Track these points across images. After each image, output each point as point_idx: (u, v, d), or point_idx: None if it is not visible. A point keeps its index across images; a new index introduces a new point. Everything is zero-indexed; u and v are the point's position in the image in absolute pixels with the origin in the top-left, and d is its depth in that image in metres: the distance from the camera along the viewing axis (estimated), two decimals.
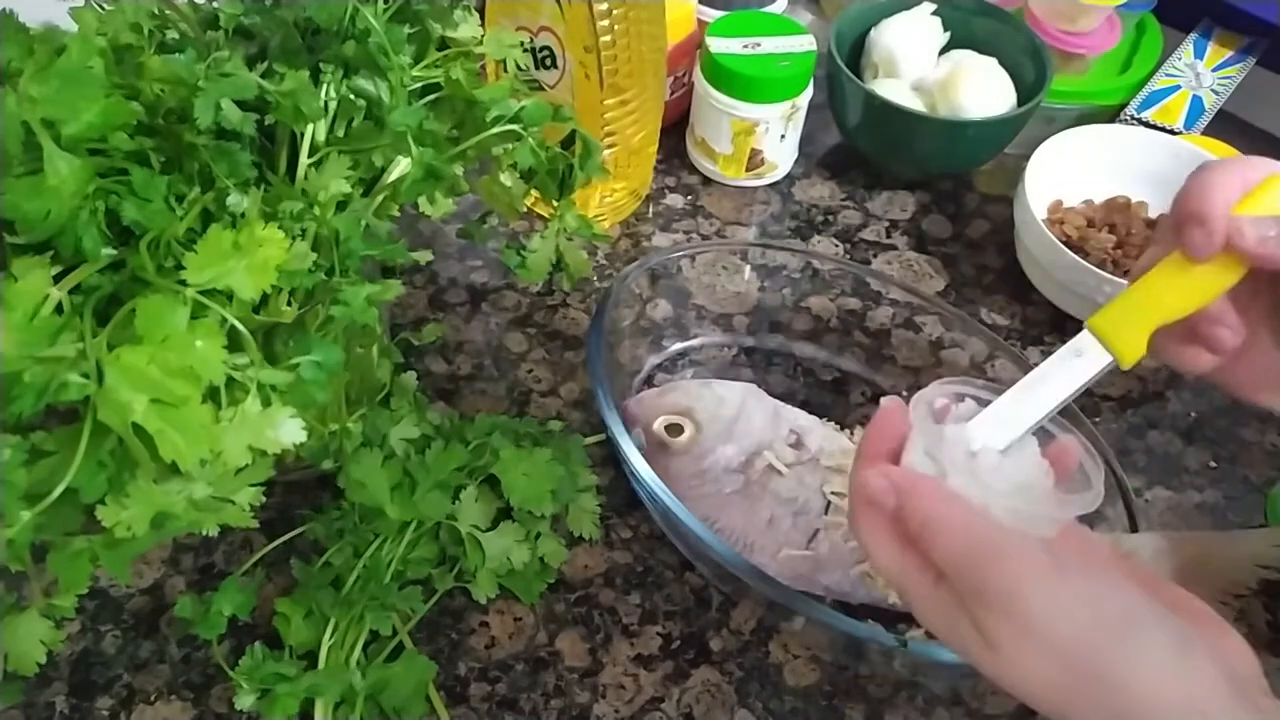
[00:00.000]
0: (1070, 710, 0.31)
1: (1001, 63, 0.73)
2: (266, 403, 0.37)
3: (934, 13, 0.76)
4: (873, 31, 0.76)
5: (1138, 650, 0.30)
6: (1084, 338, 0.39)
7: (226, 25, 0.44)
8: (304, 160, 0.43)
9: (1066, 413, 0.54)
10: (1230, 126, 0.77)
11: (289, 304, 0.40)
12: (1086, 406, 0.63)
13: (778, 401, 0.59)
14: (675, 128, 0.77)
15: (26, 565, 0.37)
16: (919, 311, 0.62)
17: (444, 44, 0.49)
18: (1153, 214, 0.69)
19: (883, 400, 0.39)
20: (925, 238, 0.73)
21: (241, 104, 0.39)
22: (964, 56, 0.73)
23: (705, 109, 0.72)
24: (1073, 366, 0.38)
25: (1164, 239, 0.39)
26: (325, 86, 0.44)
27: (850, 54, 0.76)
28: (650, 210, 0.74)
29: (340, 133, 0.45)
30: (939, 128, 0.71)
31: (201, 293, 0.35)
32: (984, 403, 0.39)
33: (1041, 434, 0.38)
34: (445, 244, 0.70)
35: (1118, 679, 0.30)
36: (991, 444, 0.37)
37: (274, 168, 0.43)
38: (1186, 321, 0.39)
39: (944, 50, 0.76)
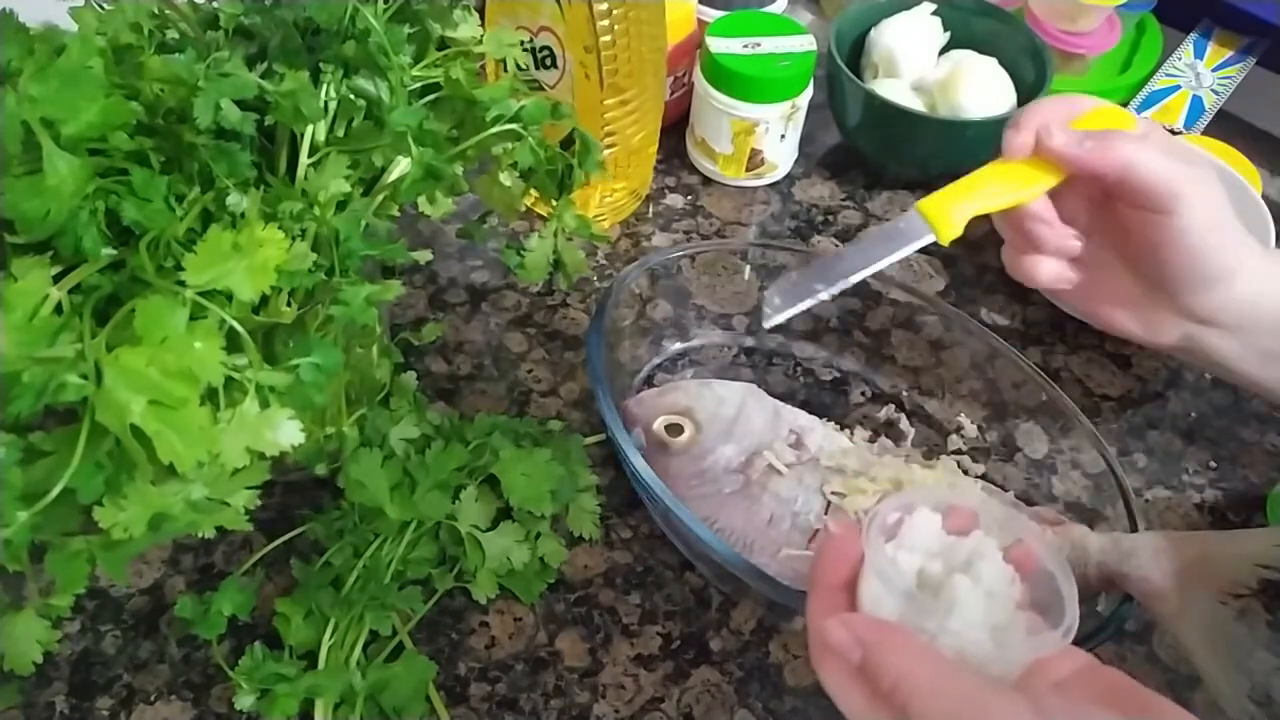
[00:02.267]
0: None
1: (1001, 63, 0.73)
2: (265, 404, 0.37)
3: (934, 13, 0.76)
4: (873, 31, 0.76)
5: None
6: (909, 216, 0.43)
7: (226, 25, 0.44)
8: (304, 160, 0.43)
9: (1067, 414, 0.55)
10: (1230, 126, 0.77)
11: (289, 304, 0.40)
12: (1087, 407, 0.63)
13: (778, 401, 0.59)
14: (675, 128, 0.77)
15: (24, 565, 0.37)
16: (919, 311, 0.62)
17: (444, 44, 0.49)
18: None
19: (830, 525, 0.37)
20: None
21: (241, 104, 0.39)
22: (964, 56, 0.73)
23: (705, 109, 0.72)
24: (893, 237, 0.42)
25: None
26: (325, 86, 0.44)
27: (850, 54, 0.76)
28: (650, 210, 0.74)
29: (340, 133, 0.45)
30: (939, 128, 0.71)
31: (201, 293, 0.35)
32: (937, 507, 0.37)
33: (1003, 535, 0.36)
34: (445, 244, 0.70)
35: None
36: (801, 302, 0.40)
37: (274, 168, 0.43)
38: (1018, 225, 0.46)
39: (944, 50, 0.76)
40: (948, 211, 0.44)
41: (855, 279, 0.42)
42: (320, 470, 0.50)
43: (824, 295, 0.40)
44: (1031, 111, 0.44)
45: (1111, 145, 0.42)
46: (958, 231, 0.44)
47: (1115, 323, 0.48)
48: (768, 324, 0.44)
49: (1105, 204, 0.46)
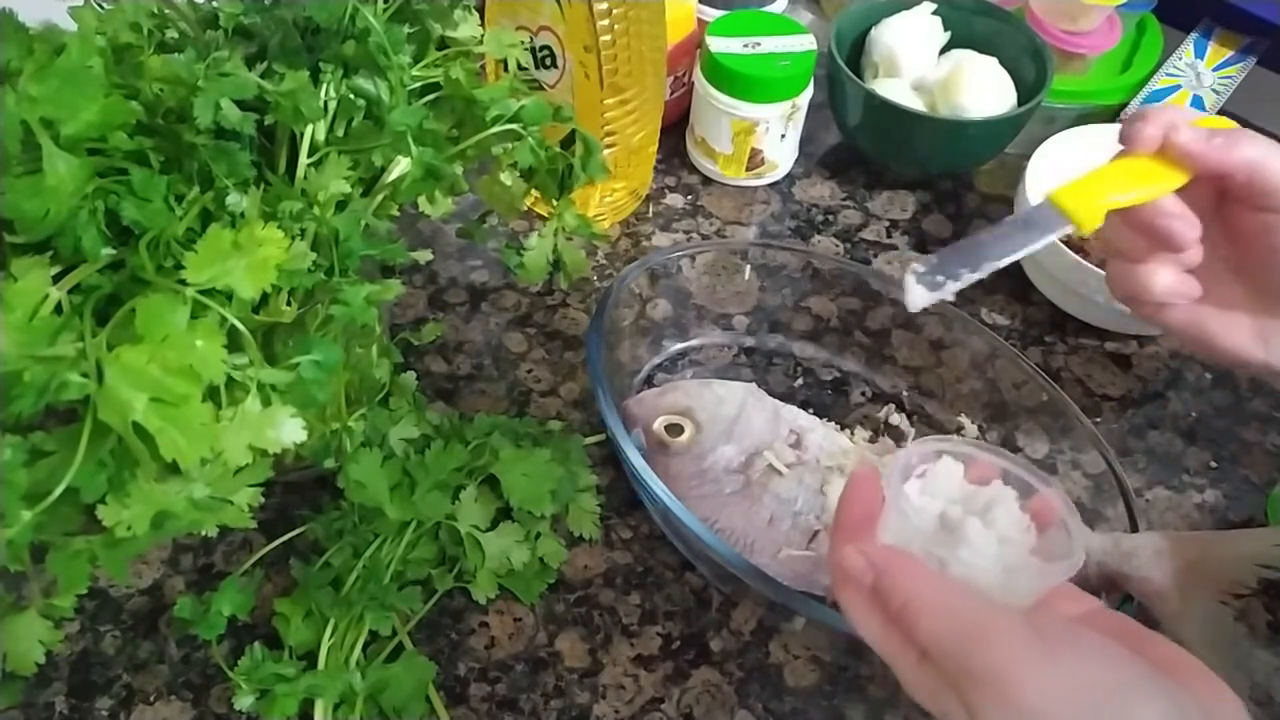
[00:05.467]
0: None
1: (1002, 62, 0.73)
2: (266, 402, 0.37)
3: (934, 12, 0.76)
4: (873, 31, 0.76)
5: None
6: (1042, 206, 0.40)
7: (226, 25, 0.44)
8: (304, 160, 0.43)
9: (1067, 414, 0.55)
10: None
11: (289, 304, 0.40)
12: (1087, 407, 0.63)
13: (778, 401, 0.59)
14: (675, 128, 0.77)
15: (26, 565, 0.37)
16: (919, 311, 0.62)
17: (444, 44, 0.49)
18: None
19: (853, 471, 0.39)
20: (925, 237, 0.73)
21: (241, 104, 0.39)
22: (964, 56, 0.73)
23: (705, 109, 0.72)
24: (1032, 225, 0.40)
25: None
26: (325, 86, 0.44)
27: (850, 53, 0.76)
28: (650, 210, 0.74)
29: (340, 133, 0.45)
30: (939, 127, 0.71)
31: (201, 292, 0.35)
32: (960, 458, 0.38)
33: (1022, 487, 0.37)
34: (445, 244, 0.70)
35: None
36: (946, 284, 0.38)
37: (274, 168, 0.43)
38: (1144, 227, 0.42)
39: (944, 50, 0.76)
40: (1088, 201, 0.40)
41: (999, 265, 0.40)
42: (328, 464, 0.50)
43: (959, 286, 0.39)
44: (1156, 109, 0.42)
45: (1240, 143, 0.41)
46: (1100, 222, 0.40)
47: (1227, 340, 0.45)
48: (913, 308, 0.41)
49: (1218, 209, 0.44)
